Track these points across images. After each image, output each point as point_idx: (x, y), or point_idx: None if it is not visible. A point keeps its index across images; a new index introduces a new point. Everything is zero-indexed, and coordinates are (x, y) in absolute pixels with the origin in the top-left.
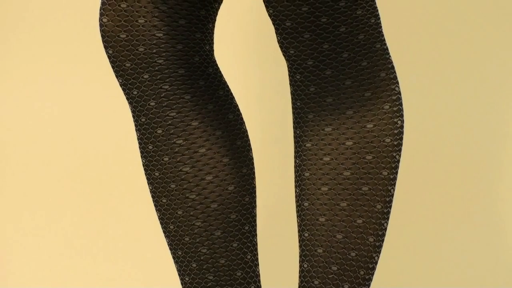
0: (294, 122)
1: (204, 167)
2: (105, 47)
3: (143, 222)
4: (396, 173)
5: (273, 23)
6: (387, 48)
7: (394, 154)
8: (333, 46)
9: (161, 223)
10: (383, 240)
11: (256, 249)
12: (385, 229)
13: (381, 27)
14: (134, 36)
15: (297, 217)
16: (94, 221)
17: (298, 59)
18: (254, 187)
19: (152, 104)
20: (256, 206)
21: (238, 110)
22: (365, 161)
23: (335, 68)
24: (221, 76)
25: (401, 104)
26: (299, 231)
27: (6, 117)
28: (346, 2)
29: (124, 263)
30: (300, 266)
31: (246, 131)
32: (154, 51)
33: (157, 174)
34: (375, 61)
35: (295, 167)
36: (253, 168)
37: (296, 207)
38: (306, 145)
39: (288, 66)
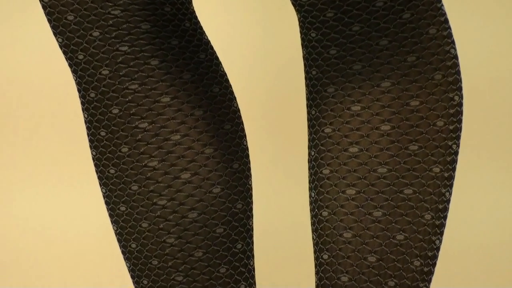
0: (308, 99)
1: (178, 161)
2: None
3: None
4: (453, 170)
5: None
6: None
7: (450, 143)
8: None
9: (118, 241)
10: (434, 265)
11: (253, 277)
12: (437, 248)
13: None
14: None
15: (312, 232)
16: (94, 221)
17: (313, 10)
18: (249, 190)
19: (105, 72)
20: (252, 216)
21: (227, 80)
22: (409, 153)
23: (365, 22)
24: (202, 33)
25: (459, 73)
26: (315, 251)
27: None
28: None
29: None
30: None
31: (238, 110)
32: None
33: (112, 171)
34: (422, 12)
35: (309, 161)
36: (248, 163)
37: (311, 218)
38: (325, 131)
39: (299, 21)
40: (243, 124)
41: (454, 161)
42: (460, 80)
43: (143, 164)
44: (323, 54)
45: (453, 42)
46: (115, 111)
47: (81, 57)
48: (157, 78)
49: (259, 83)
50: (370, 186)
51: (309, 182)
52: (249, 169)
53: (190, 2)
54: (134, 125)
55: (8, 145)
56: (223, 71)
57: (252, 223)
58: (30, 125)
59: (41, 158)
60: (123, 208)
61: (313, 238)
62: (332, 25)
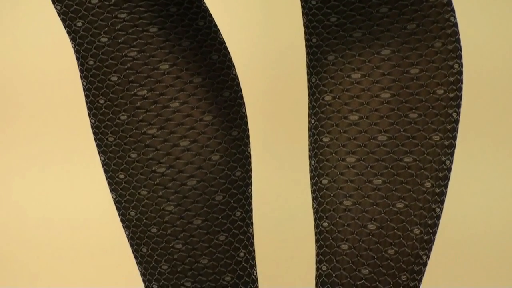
0: (308, 67)
1: (177, 128)
2: None
3: None
4: (454, 138)
5: None
6: None
7: (450, 111)
8: None
9: (117, 209)
10: (434, 233)
11: (252, 244)
12: (438, 217)
13: None
14: None
15: (312, 200)
16: (94, 221)
17: None
18: (248, 157)
19: (104, 40)
20: (251, 184)
21: (225, 48)
22: (409, 121)
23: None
24: (201, 0)
25: (458, 41)
26: (315, 219)
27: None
28: None
29: (124, 263)
30: (317, 269)
31: (237, 78)
32: None
33: (111, 139)
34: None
35: (310, 129)
36: (247, 130)
37: (311, 186)
38: (325, 98)
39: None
40: (241, 92)
41: (455, 129)
42: (460, 48)
43: (142, 131)
44: (324, 21)
45: (453, 10)
46: (114, 78)
47: (79, 24)
48: (155, 45)
49: (259, 69)
50: (370, 154)
51: (309, 150)
52: (247, 136)
53: None
54: (133, 92)
55: (7, 132)
56: (222, 38)
57: (251, 191)
58: (31, 111)
59: (41, 159)
60: (122, 176)
61: (313, 206)
62: None
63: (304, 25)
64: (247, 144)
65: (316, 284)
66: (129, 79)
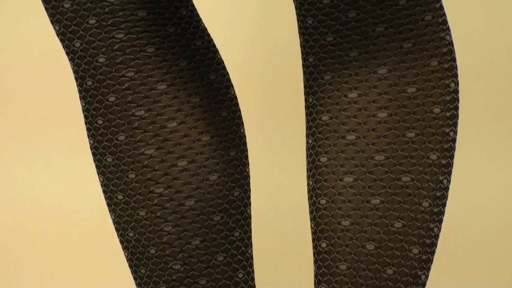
0: (305, 87)
1: (174, 148)
2: None
3: None
4: (451, 157)
5: None
6: None
7: (447, 130)
8: None
9: (116, 230)
10: (433, 253)
11: (251, 265)
12: (436, 236)
13: None
14: None
15: (311, 220)
16: (94, 220)
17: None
18: (247, 177)
19: (102, 60)
20: (250, 204)
21: (224, 68)
22: (406, 140)
23: (361, 9)
24: (199, 20)
25: (454, 60)
26: (313, 239)
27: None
28: None
29: (123, 263)
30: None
31: (236, 98)
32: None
33: (110, 160)
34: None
35: (307, 149)
36: (246, 150)
37: (309, 207)
38: (322, 118)
39: (296, 8)
40: (240, 112)
41: (452, 148)
42: (455, 67)
43: (140, 152)
44: (320, 41)
45: (448, 28)
46: (112, 98)
47: (77, 45)
48: (153, 66)
49: (255, 70)
50: (367, 174)
51: (307, 170)
52: (246, 156)
53: None
54: (130, 112)
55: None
56: (220, 58)
57: (250, 211)
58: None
59: (41, 160)
60: (120, 197)
61: (311, 227)
62: (329, 12)
63: (301, 44)
64: (245, 164)
65: None
66: (127, 100)
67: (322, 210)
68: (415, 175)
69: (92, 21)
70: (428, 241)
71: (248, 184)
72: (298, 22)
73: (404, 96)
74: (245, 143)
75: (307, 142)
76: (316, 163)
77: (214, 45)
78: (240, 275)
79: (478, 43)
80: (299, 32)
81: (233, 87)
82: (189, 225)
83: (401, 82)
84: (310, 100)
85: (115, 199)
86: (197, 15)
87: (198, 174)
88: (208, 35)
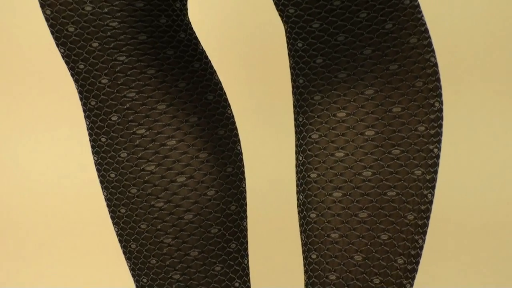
0: (295, 107)
1: (174, 165)
2: (42, 6)
3: None
4: (435, 172)
5: None
6: (418, 5)
7: (431, 147)
8: (347, 2)
9: (120, 241)
10: (417, 263)
11: (247, 275)
12: (420, 247)
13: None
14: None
15: (301, 233)
16: (94, 220)
17: (300, 21)
18: (243, 192)
19: (104, 81)
20: (246, 217)
21: (221, 88)
22: (392, 157)
23: (349, 33)
24: (197, 43)
25: (438, 80)
26: (304, 251)
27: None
28: None
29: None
30: None
31: (232, 116)
32: (106, 10)
33: (113, 175)
34: (403, 22)
35: (297, 166)
36: (242, 167)
37: (300, 220)
38: (312, 137)
39: (286, 31)
40: (237, 130)
41: (436, 164)
42: (440, 87)
43: (141, 168)
44: (310, 63)
45: (433, 50)
46: (114, 118)
47: (81, 67)
48: (153, 87)
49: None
50: (355, 189)
51: (297, 186)
52: (242, 172)
53: (186, 14)
54: (132, 131)
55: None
56: (218, 79)
57: (246, 224)
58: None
59: (40, 161)
60: (123, 210)
61: (301, 239)
62: (318, 35)
63: (290, 66)
64: (241, 179)
65: None
66: (129, 119)
67: (312, 224)
68: (400, 190)
69: (95, 44)
70: (413, 252)
71: (244, 198)
72: (288, 45)
73: (390, 115)
74: (241, 160)
75: (297, 159)
76: (306, 179)
77: (211, 67)
78: (237, 284)
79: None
80: (289, 55)
81: (230, 107)
82: (188, 237)
83: (387, 102)
84: (300, 119)
85: (118, 213)
86: (196, 38)
87: (197, 189)
88: (206, 57)
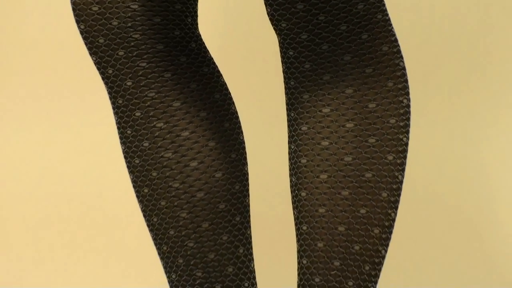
0: (287, 104)
1: (187, 152)
2: (77, 22)
3: (143, 221)
4: (404, 157)
5: None
6: (389, 19)
7: (401, 136)
8: (330, 17)
9: (144, 216)
10: (390, 232)
11: (250, 243)
12: (393, 219)
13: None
14: (107, 9)
15: (294, 209)
16: (94, 220)
17: (291, 33)
18: (245, 174)
19: (129, 83)
20: (248, 195)
21: (226, 89)
22: (368, 145)
23: (332, 42)
24: (206, 51)
25: (406, 81)
26: (296, 224)
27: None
28: None
29: (123, 263)
30: (299, 263)
31: (236, 112)
32: (129, 24)
33: (137, 161)
34: (377, 33)
35: (290, 153)
36: (245, 153)
37: (292, 198)
38: (302, 129)
39: (279, 41)
40: (240, 124)
41: (405, 151)
42: (407, 87)
43: (160, 155)
44: (299, 68)
45: (401, 56)
46: (138, 113)
47: (110, 71)
48: (169, 87)
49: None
50: (338, 171)
51: (290, 170)
52: (245, 158)
53: (196, 28)
54: (152, 124)
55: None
56: (223, 81)
57: (249, 200)
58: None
59: (40, 160)
60: (146, 190)
61: (294, 214)
62: (306, 45)
63: (283, 71)
64: (244, 164)
65: (298, 274)
66: (149, 114)
67: (303, 201)
68: (375, 172)
69: (121, 53)
70: (386, 224)
71: (247, 179)
72: (281, 52)
73: (366, 110)
74: (244, 148)
75: (289, 148)
76: (297, 164)
77: (218, 71)
78: (241, 251)
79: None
80: (282, 61)
81: (234, 104)
82: (199, 212)
83: (364, 100)
84: (292, 114)
85: (142, 192)
86: (205, 47)
87: (206, 172)
88: (214, 63)
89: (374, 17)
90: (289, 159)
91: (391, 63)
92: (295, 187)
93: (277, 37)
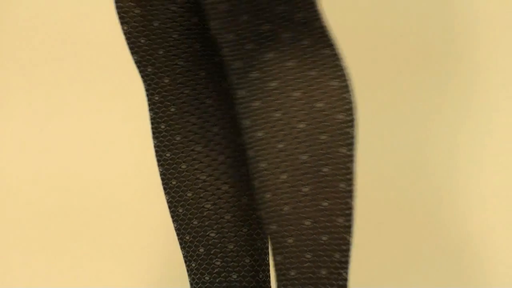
0: (239, 113)
1: (216, 147)
2: (121, 23)
3: (144, 221)
4: (354, 149)
5: (206, 9)
6: (327, 26)
7: (349, 130)
8: (273, 26)
9: (169, 207)
10: (353, 219)
11: (267, 237)
12: (353, 208)
13: (318, 5)
14: (148, 11)
15: (260, 211)
16: (94, 220)
17: (237, 44)
18: None
19: (166, 81)
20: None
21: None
22: (320, 141)
23: (276, 50)
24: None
25: (349, 79)
26: (264, 224)
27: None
28: None
29: (123, 263)
30: (274, 260)
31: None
32: (169, 25)
33: (168, 155)
34: (317, 39)
35: (249, 159)
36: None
37: (257, 200)
38: (258, 135)
39: (223, 54)
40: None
41: (354, 143)
42: (351, 84)
43: (191, 148)
44: (246, 77)
45: (342, 58)
46: (172, 109)
47: (149, 69)
48: (203, 85)
49: None
50: (297, 170)
51: (251, 174)
52: None
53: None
54: (186, 119)
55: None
56: None
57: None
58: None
59: (39, 159)
60: (174, 182)
61: (261, 215)
62: (252, 55)
63: (229, 82)
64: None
65: (275, 270)
66: (183, 110)
67: (268, 202)
68: (332, 166)
69: (160, 52)
70: (347, 212)
71: None
72: (226, 65)
73: (315, 110)
74: None
75: (248, 154)
76: (258, 168)
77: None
78: (259, 244)
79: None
80: (227, 74)
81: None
82: (223, 204)
83: (311, 100)
84: (247, 122)
85: (170, 184)
86: None
87: (232, 166)
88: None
89: (313, 25)
90: (249, 164)
91: (333, 65)
92: (259, 190)
93: (222, 50)
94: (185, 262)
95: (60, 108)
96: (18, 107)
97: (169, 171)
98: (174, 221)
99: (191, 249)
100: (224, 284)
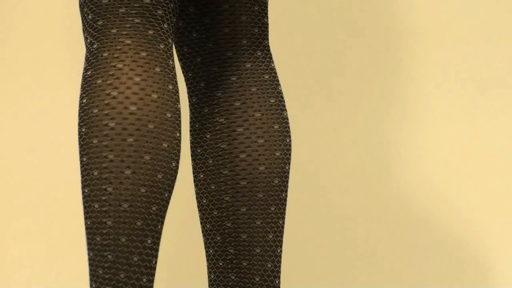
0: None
1: (239, 145)
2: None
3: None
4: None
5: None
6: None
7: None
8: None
9: (196, 198)
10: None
11: (280, 231)
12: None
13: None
14: (188, 24)
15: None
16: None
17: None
18: (286, 172)
19: (202, 85)
20: (286, 190)
21: (282, 96)
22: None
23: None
24: (270, 61)
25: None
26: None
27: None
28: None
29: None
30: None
31: (287, 117)
32: (204, 35)
33: (199, 151)
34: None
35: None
36: (288, 154)
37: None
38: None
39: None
40: (289, 128)
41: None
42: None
43: (218, 146)
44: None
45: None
46: (206, 110)
47: (190, 74)
48: (234, 89)
49: None
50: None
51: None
52: (288, 158)
53: (264, 38)
54: (216, 119)
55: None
56: (280, 89)
57: (286, 195)
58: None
59: (38, 158)
60: (201, 176)
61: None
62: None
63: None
64: (286, 163)
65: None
66: (214, 111)
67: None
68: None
69: (198, 59)
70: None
71: (287, 176)
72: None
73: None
74: (288, 149)
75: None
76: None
77: (277, 80)
78: (270, 236)
79: None
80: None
81: (286, 110)
82: (240, 197)
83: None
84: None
85: (198, 177)
86: (270, 56)
87: (252, 164)
88: (275, 72)
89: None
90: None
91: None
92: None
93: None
94: (205, 248)
95: (60, 108)
96: (18, 107)
97: (199, 165)
98: (199, 210)
99: (210, 237)
100: (235, 271)
